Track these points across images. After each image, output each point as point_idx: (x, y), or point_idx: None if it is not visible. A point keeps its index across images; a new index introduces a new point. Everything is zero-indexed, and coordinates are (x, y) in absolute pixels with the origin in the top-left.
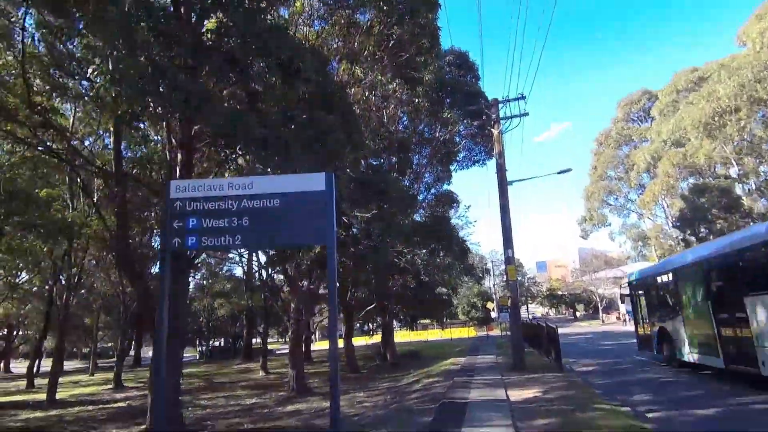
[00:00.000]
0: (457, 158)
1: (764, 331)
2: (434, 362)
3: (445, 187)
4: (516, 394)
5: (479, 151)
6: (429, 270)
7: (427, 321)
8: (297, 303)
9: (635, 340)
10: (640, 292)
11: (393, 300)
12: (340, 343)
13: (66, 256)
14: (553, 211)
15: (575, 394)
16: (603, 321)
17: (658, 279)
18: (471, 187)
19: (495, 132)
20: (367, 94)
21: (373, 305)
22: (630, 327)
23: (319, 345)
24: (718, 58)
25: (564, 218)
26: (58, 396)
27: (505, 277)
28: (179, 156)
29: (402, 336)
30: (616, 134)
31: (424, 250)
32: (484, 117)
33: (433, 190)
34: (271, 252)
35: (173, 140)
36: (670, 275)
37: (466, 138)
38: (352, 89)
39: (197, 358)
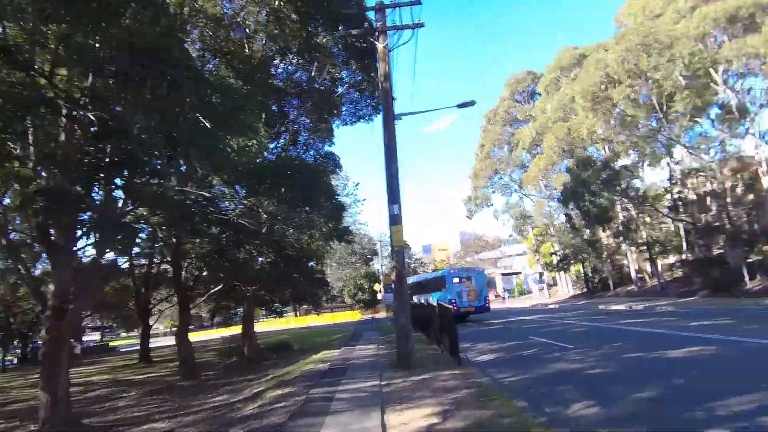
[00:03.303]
0: (340, 110)
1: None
2: (305, 355)
3: (327, 148)
4: (399, 422)
5: (365, 104)
6: (290, 236)
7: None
8: (59, 283)
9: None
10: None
11: (249, 280)
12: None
13: None
14: (441, 194)
15: (492, 415)
16: None
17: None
18: (363, 173)
19: (380, 47)
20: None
21: (220, 287)
22: (509, 304)
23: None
24: (600, 40)
25: (451, 201)
26: None
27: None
28: None
29: (281, 323)
30: (503, 112)
31: (288, 206)
32: (365, 25)
33: (312, 152)
34: None
35: None
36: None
37: (352, 87)
38: None
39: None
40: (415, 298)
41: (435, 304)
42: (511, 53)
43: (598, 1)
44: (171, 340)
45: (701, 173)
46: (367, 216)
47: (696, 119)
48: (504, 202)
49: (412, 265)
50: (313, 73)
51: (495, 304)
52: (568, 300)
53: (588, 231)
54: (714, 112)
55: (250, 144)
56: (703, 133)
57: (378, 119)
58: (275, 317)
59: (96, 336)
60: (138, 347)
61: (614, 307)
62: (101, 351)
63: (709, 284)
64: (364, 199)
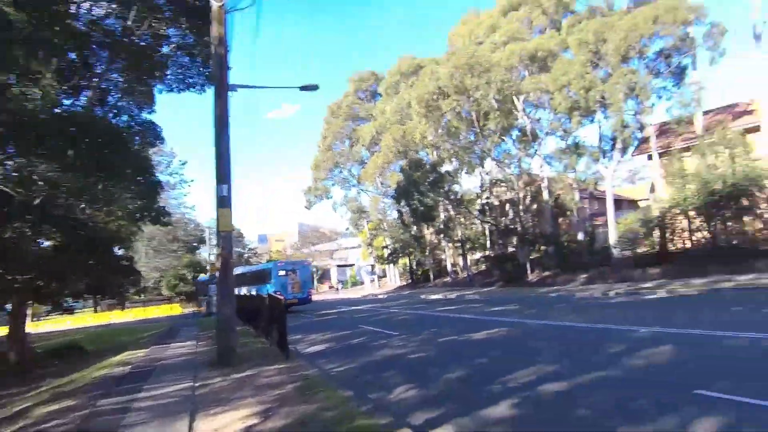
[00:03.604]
0: (164, 73)
1: None
2: (102, 359)
3: (146, 116)
4: (211, 429)
5: (197, 72)
6: (81, 213)
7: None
8: None
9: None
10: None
11: (20, 267)
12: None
13: None
14: (283, 184)
15: (316, 409)
16: (317, 290)
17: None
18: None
19: (214, 5)
20: None
21: None
22: (343, 294)
23: None
24: (435, 56)
25: (293, 191)
26: None
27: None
28: None
29: (75, 321)
30: (346, 107)
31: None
32: None
33: (125, 117)
34: None
35: None
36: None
37: (181, 49)
38: None
39: None
40: (239, 290)
41: (257, 295)
42: (358, 49)
43: (435, 17)
44: None
45: (503, 183)
46: (196, 199)
47: (503, 137)
48: (343, 195)
49: (245, 255)
50: (129, 22)
51: (329, 295)
52: (395, 290)
53: (415, 228)
54: (515, 133)
55: (28, 92)
56: (507, 150)
57: (211, 92)
58: (62, 314)
59: None
60: None
61: (433, 297)
62: None
63: (504, 276)
64: (192, 180)
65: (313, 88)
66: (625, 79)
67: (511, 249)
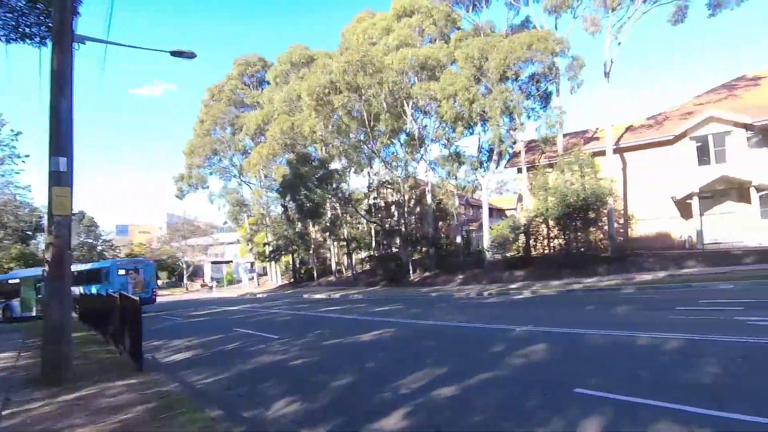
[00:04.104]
0: None
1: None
2: None
3: None
4: None
5: (38, 21)
6: None
7: None
8: None
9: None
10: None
11: None
12: None
13: None
14: (152, 171)
15: None
16: (187, 288)
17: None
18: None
19: None
20: None
21: None
22: (217, 294)
23: None
24: (328, 50)
25: (163, 179)
26: None
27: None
28: None
29: None
30: (229, 90)
31: None
32: None
33: None
34: None
35: None
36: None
37: None
38: None
39: None
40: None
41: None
42: (244, 34)
43: (328, 11)
44: None
45: (390, 185)
46: (34, 179)
47: (392, 139)
48: (222, 186)
49: (99, 247)
50: None
51: (202, 294)
52: (277, 289)
53: (300, 224)
54: (403, 137)
55: None
56: (395, 152)
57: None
58: None
59: None
60: None
61: (316, 296)
62: None
63: (388, 276)
64: (27, 155)
65: (189, 55)
66: (502, 96)
67: (395, 249)
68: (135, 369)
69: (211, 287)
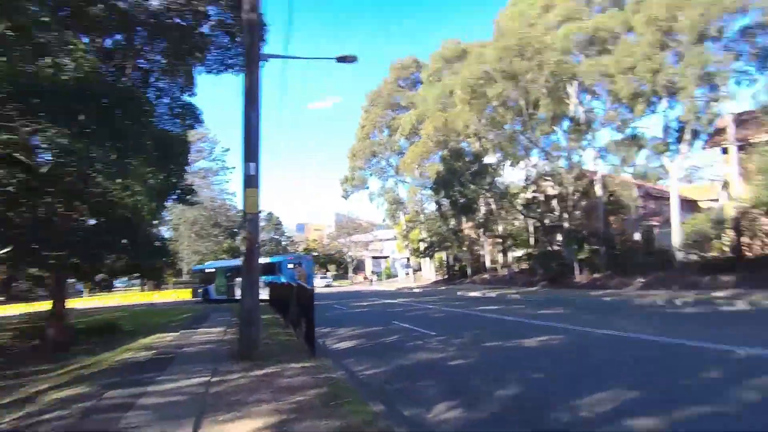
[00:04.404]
0: (204, 55)
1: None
2: (134, 339)
3: (187, 98)
4: None
5: (236, 53)
6: (93, 183)
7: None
8: None
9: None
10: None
11: (55, 243)
12: None
13: None
14: (323, 174)
15: (339, 428)
16: (352, 281)
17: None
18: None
19: None
20: None
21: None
22: (376, 287)
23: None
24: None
25: (332, 181)
26: None
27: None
28: None
29: (122, 298)
30: (386, 95)
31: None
32: None
33: (167, 99)
34: None
35: None
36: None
37: (219, 28)
38: None
39: None
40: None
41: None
42: (398, 38)
43: (482, 3)
44: None
45: (550, 177)
46: (238, 187)
47: (553, 127)
48: (380, 186)
49: (283, 242)
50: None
51: (363, 287)
52: (431, 285)
53: (454, 221)
54: (566, 124)
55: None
56: (556, 141)
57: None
58: (110, 291)
59: None
60: None
61: (471, 294)
62: None
63: (548, 276)
64: (234, 168)
65: (352, 59)
66: (699, 60)
67: (556, 247)
68: (308, 354)
69: (371, 281)
